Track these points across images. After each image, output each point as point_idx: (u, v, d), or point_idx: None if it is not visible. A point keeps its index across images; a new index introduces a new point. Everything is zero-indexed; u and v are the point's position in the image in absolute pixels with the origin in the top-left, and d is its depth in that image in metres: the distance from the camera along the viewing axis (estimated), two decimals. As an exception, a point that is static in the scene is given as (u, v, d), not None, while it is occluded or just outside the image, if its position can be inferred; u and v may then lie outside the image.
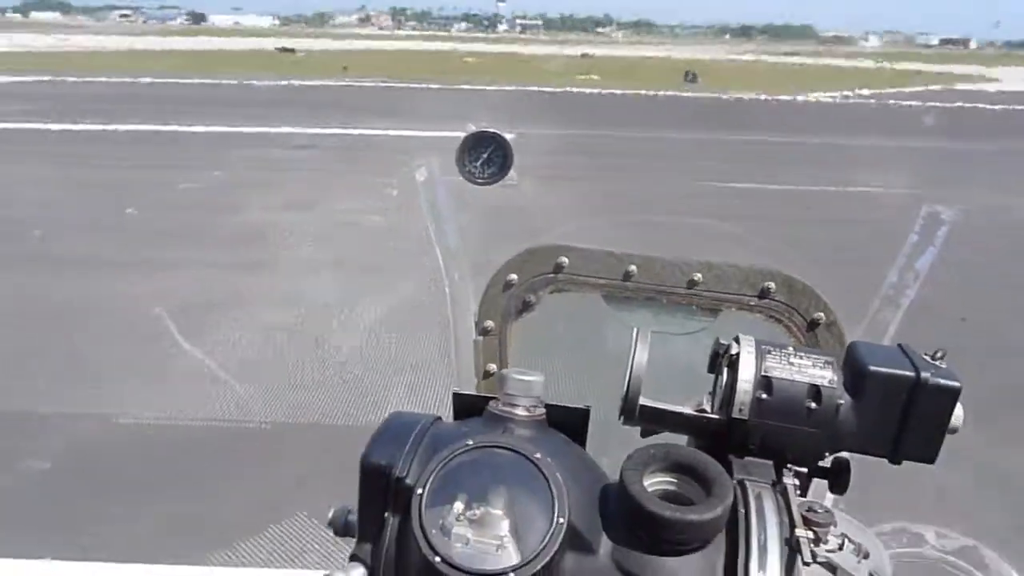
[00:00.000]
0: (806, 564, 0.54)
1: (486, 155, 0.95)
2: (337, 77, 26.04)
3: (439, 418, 0.64)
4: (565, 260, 0.87)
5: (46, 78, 23.89)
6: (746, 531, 0.56)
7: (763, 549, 0.55)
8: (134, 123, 13.61)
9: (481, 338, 0.91)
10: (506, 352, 0.91)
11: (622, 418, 0.68)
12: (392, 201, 7.13)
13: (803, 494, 0.65)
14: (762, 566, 0.54)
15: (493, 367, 0.92)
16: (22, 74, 25.05)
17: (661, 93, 23.25)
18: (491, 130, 0.95)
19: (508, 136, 0.88)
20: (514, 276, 0.88)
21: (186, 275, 5.83)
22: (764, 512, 0.58)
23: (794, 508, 0.58)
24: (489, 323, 0.90)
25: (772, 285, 0.84)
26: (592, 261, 0.87)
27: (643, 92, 23.28)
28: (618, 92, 22.99)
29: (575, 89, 23.67)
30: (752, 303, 0.85)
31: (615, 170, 10.92)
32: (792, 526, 0.57)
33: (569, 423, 0.64)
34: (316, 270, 5.95)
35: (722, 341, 0.69)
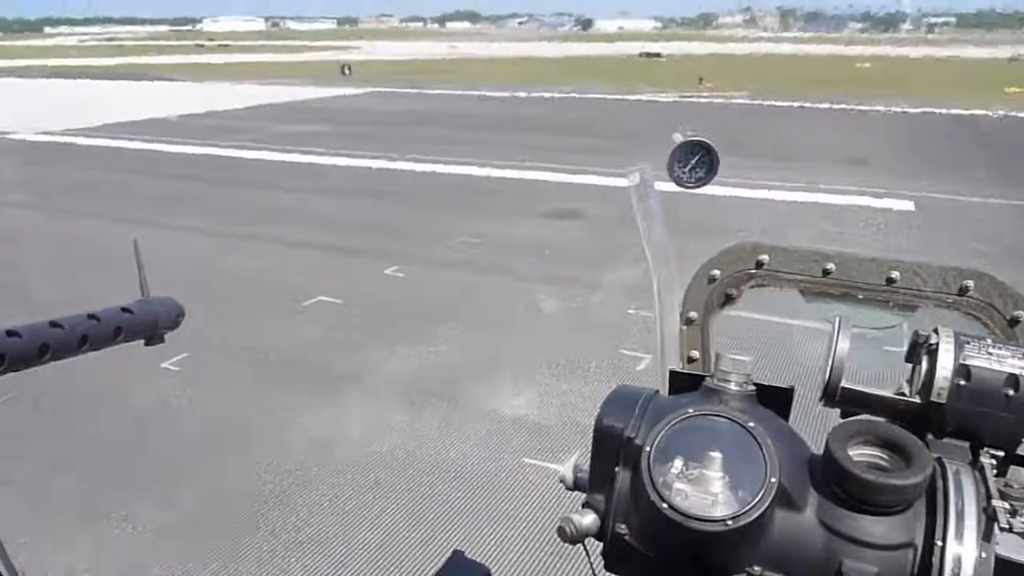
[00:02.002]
0: (1003, 530, 0.56)
1: (694, 161, 0.98)
2: (690, 90, 22.05)
3: (658, 391, 0.69)
4: (765, 257, 0.89)
5: (403, 89, 23.33)
6: (944, 500, 0.58)
7: (960, 516, 0.57)
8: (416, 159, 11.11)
9: (685, 327, 0.93)
10: (708, 340, 0.93)
11: (823, 401, 0.70)
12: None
13: (1001, 476, 0.65)
14: (959, 532, 0.57)
15: (696, 354, 0.94)
16: (383, 84, 25.01)
17: None
18: (699, 138, 0.97)
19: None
20: (716, 271, 0.91)
21: None
22: (962, 484, 0.59)
23: (991, 483, 0.60)
24: (693, 314, 0.93)
25: (970, 283, 0.82)
26: (791, 259, 0.88)
27: None
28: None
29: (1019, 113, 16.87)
30: (950, 300, 0.83)
31: None
32: (989, 497, 0.58)
33: (776, 400, 0.67)
34: None
35: (921, 332, 0.70)
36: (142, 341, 0.81)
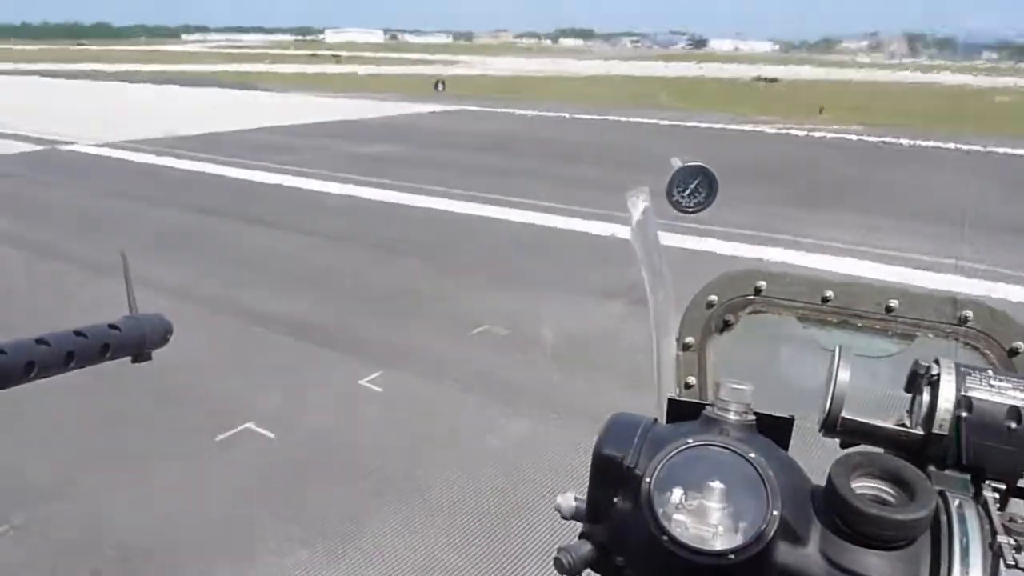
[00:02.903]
0: (1008, 567, 0.56)
1: (693, 186, 0.99)
2: (810, 121, 19.61)
3: (656, 420, 0.69)
4: (763, 283, 0.90)
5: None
6: (949, 535, 0.58)
7: (965, 552, 0.57)
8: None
9: (682, 353, 0.93)
10: (705, 366, 0.94)
11: (823, 431, 0.70)
12: None
13: (1002, 510, 0.66)
14: (965, 568, 0.56)
15: (692, 379, 0.94)
16: (473, 101, 23.59)
17: None
18: (697, 163, 0.99)
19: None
20: (714, 297, 0.92)
21: None
22: (966, 519, 0.59)
23: (995, 517, 0.61)
24: (690, 339, 0.93)
25: (970, 313, 0.83)
26: (790, 285, 0.89)
27: None
28: None
29: None
30: (949, 330, 0.83)
31: None
32: (994, 532, 0.59)
33: (776, 429, 0.67)
34: None
35: (921, 362, 0.70)
36: (129, 358, 0.79)
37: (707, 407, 0.66)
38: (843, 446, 0.71)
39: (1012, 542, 0.57)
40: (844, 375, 0.69)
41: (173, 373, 4.16)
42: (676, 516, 0.59)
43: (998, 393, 0.65)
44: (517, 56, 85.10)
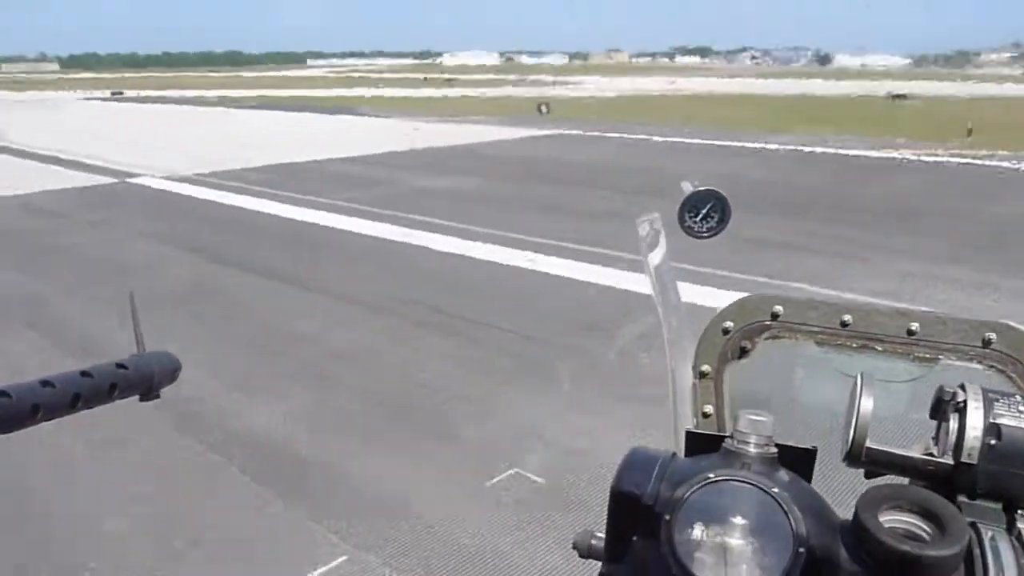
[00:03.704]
0: None
1: (705, 211, 0.98)
2: (955, 143, 16.96)
3: (675, 454, 0.66)
4: (780, 309, 0.87)
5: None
6: (984, 568, 0.57)
7: None
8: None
9: (698, 381, 0.91)
10: (722, 394, 0.91)
11: (846, 461, 0.68)
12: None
13: None
14: None
15: (710, 408, 0.91)
16: (577, 125, 22.05)
17: None
18: (710, 188, 0.97)
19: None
20: (730, 323, 0.89)
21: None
22: (1000, 551, 0.59)
23: None
24: (706, 367, 0.90)
25: (994, 336, 0.80)
26: (807, 310, 0.87)
27: None
28: None
29: None
30: (972, 353, 0.81)
31: None
32: None
33: (798, 461, 0.65)
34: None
35: (947, 388, 0.68)
36: (137, 397, 0.78)
37: (726, 439, 0.64)
38: (868, 476, 0.68)
39: None
40: (867, 404, 0.66)
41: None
42: (697, 555, 0.57)
43: None
44: (631, 75, 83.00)
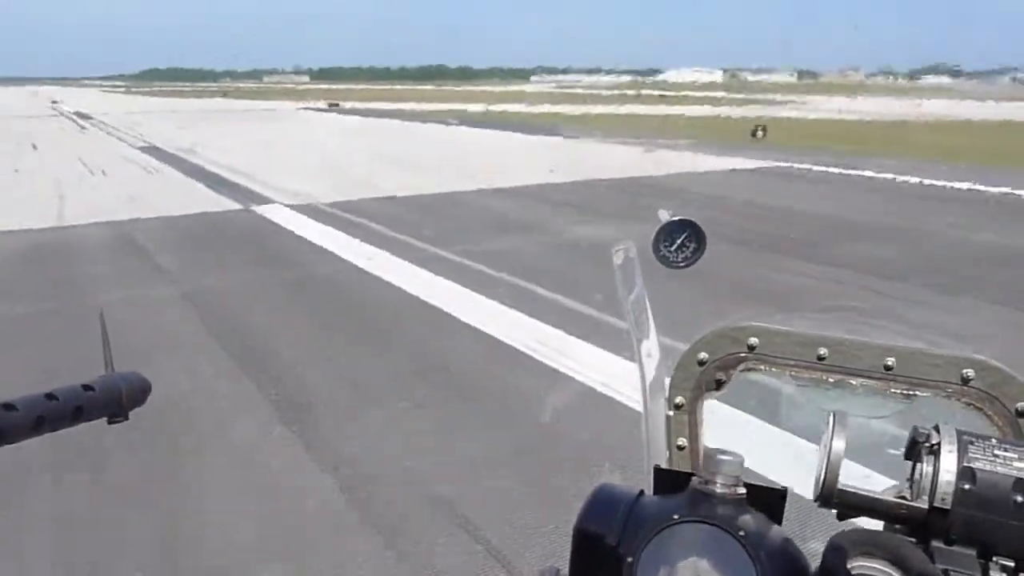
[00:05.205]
0: None
1: (680, 240, 0.99)
2: None
3: (643, 491, 0.66)
4: (756, 340, 0.86)
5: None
6: None
7: None
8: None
9: (672, 413, 0.89)
10: (697, 428, 0.89)
11: (818, 501, 0.67)
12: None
13: None
14: None
15: (683, 441, 0.89)
16: (796, 154, 18.32)
17: None
18: (685, 217, 0.98)
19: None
20: (705, 354, 0.87)
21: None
22: None
23: None
24: (680, 399, 0.89)
25: (971, 372, 0.79)
26: (783, 342, 0.85)
27: None
28: None
29: None
30: (950, 390, 0.79)
31: None
32: None
33: (768, 502, 0.64)
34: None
35: (921, 429, 0.66)
36: (105, 420, 0.76)
37: (693, 478, 0.63)
38: (840, 518, 0.68)
39: None
40: (839, 444, 0.65)
41: None
42: None
43: (1003, 464, 0.62)
44: (867, 96, 74.96)
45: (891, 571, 0.58)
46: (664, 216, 0.98)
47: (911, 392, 0.80)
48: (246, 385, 4.65)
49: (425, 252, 8.30)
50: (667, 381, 0.89)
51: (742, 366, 0.86)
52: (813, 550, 0.61)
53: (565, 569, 0.65)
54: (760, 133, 24.40)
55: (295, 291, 6.93)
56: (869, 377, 0.81)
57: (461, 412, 4.29)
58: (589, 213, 10.93)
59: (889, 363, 0.81)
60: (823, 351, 0.83)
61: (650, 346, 0.90)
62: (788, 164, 16.86)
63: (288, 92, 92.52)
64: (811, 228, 9.90)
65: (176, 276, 7.49)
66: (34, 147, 21.58)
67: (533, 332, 5.55)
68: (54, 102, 56.01)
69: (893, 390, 0.81)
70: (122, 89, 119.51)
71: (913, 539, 0.62)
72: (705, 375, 0.87)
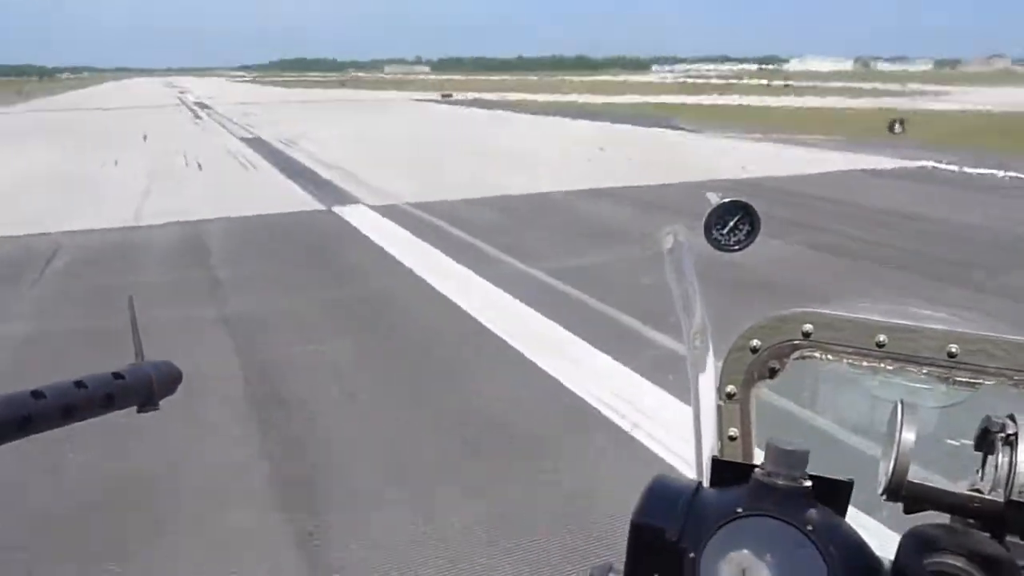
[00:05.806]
0: None
1: (733, 223, 0.93)
2: None
3: (700, 484, 0.63)
4: (811, 327, 0.80)
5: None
6: None
7: None
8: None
9: (723, 403, 0.84)
10: (749, 417, 0.84)
11: (885, 495, 0.65)
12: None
13: None
14: None
15: (735, 431, 0.84)
16: (945, 151, 16.24)
17: None
18: (738, 199, 0.92)
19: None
20: (757, 341, 0.81)
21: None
22: None
23: None
24: (731, 388, 0.83)
25: None
26: (840, 328, 0.80)
27: None
28: None
29: None
30: (1019, 378, 0.74)
31: None
32: None
33: (833, 495, 0.61)
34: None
35: (994, 419, 0.64)
36: (135, 408, 0.74)
37: (756, 469, 0.60)
38: (907, 511, 0.65)
39: None
40: (908, 435, 0.61)
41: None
42: None
43: None
44: (1011, 85, 68.62)
45: (969, 567, 0.55)
46: (714, 198, 0.92)
47: (976, 380, 0.75)
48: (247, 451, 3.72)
49: (510, 269, 7.25)
50: (718, 368, 0.83)
51: (796, 354, 0.80)
52: (876, 542, 0.58)
53: (618, 564, 0.63)
54: (898, 127, 22.10)
55: (346, 317, 6.01)
56: (931, 365, 0.76)
57: None
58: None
59: (953, 350, 0.75)
60: (882, 338, 0.77)
61: (700, 333, 0.86)
62: (937, 165, 14.85)
63: (407, 82, 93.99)
64: (969, 249, 8.26)
65: (226, 292, 6.73)
66: (144, 138, 21.87)
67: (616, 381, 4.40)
68: (181, 92, 58.37)
69: (957, 378, 0.75)
70: (248, 79, 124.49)
71: (987, 534, 0.59)
72: (757, 363, 0.81)
